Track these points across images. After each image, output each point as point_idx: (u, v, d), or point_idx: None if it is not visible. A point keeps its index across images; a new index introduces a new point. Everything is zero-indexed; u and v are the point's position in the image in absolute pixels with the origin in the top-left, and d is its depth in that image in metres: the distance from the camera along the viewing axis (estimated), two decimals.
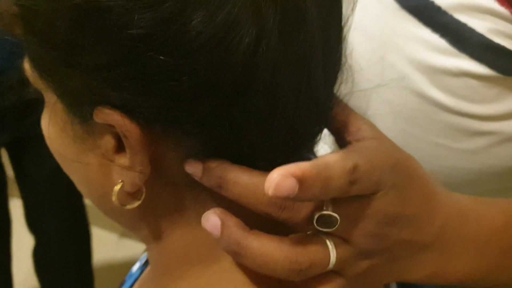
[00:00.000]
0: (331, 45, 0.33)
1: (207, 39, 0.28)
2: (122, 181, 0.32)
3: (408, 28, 0.48)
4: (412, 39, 0.48)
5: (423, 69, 0.47)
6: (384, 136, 0.36)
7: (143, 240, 0.38)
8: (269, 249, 0.31)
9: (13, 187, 1.30)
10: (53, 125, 0.35)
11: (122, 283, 0.50)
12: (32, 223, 1.32)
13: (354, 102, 0.37)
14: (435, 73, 0.47)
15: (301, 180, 0.29)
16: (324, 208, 0.31)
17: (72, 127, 0.33)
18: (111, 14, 0.28)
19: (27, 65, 0.34)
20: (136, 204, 0.33)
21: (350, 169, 0.31)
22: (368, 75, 0.48)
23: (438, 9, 0.46)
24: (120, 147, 0.32)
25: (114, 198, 0.33)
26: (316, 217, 0.31)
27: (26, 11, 0.31)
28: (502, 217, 0.40)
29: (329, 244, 0.32)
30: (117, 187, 0.32)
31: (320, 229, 0.32)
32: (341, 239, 0.32)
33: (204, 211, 0.32)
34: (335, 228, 0.31)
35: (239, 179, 0.31)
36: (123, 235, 1.88)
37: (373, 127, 0.36)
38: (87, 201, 1.35)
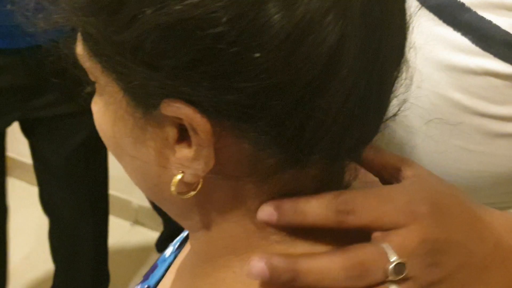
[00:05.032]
0: (398, 50, 0.33)
1: (287, 36, 0.27)
2: (183, 172, 0.32)
3: (429, 26, 0.46)
4: (432, 38, 0.46)
5: (443, 69, 0.46)
6: (423, 169, 0.37)
7: (189, 228, 0.38)
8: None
9: (33, 176, 1.31)
10: (109, 114, 0.34)
11: (155, 267, 0.50)
12: (46, 206, 1.33)
13: None
14: (457, 73, 0.46)
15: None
16: (392, 259, 0.32)
17: (133, 116, 0.32)
18: (193, 19, 0.27)
19: (83, 54, 0.33)
20: (192, 194, 0.33)
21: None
22: None
23: (461, 5, 0.45)
24: (182, 138, 0.31)
25: (172, 188, 0.33)
26: (391, 269, 0.32)
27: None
28: None
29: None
30: (177, 178, 0.32)
31: (395, 279, 0.32)
32: (401, 279, 0.33)
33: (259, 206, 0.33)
34: (406, 273, 0.32)
35: (312, 267, 0.32)
36: (135, 222, 1.89)
37: (412, 165, 0.37)
38: None
